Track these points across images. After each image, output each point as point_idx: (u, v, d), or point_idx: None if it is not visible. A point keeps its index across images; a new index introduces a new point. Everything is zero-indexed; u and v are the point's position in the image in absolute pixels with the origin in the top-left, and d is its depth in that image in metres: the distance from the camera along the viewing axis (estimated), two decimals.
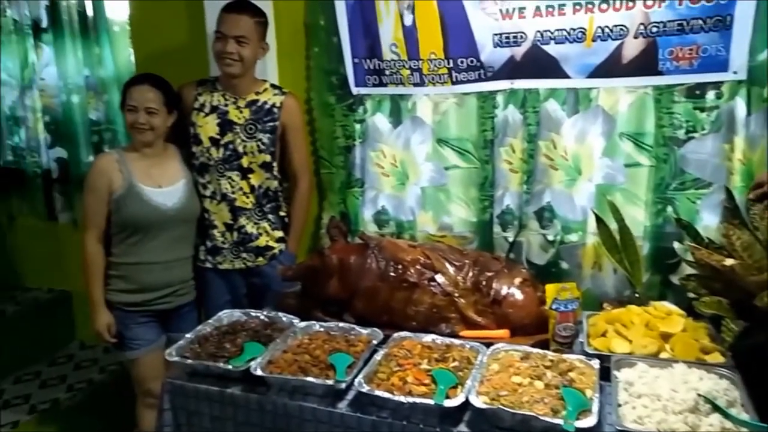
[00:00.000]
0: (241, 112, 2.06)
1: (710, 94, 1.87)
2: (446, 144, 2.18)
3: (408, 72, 2.16)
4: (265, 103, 2.09)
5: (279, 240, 2.18)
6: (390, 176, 2.28)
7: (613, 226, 1.90)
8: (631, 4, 1.84)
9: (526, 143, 2.07)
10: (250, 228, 2.13)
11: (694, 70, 1.85)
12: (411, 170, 2.25)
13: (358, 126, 2.28)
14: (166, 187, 1.99)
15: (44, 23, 2.74)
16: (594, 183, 2.02)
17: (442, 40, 2.07)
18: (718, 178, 1.90)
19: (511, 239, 2.16)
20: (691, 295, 1.74)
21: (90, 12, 2.65)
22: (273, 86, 2.13)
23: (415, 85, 2.16)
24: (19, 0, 2.73)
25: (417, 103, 2.19)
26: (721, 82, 1.84)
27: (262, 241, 2.14)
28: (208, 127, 2.06)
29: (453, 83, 2.11)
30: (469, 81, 2.10)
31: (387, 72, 2.19)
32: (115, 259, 2.00)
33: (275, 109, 2.09)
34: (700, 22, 1.79)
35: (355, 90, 2.25)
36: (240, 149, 2.06)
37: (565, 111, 2.02)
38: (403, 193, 2.28)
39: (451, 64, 2.09)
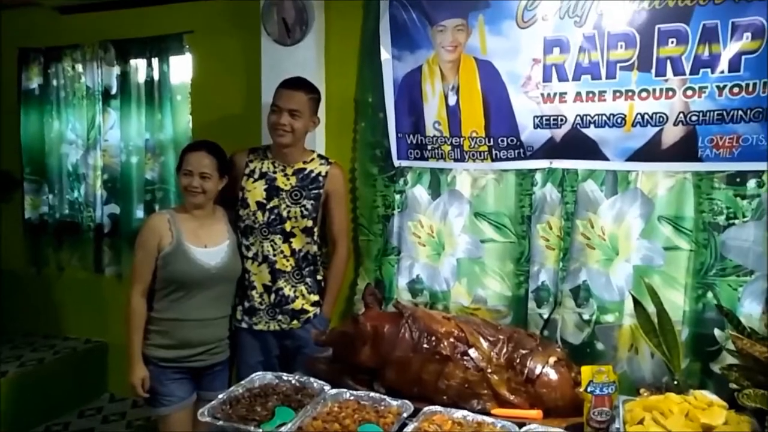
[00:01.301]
0: (288, 179, 2.12)
1: (751, 182, 1.86)
2: (483, 218, 2.19)
3: (449, 148, 2.21)
4: (312, 171, 2.13)
5: (314, 304, 2.17)
6: (426, 246, 2.29)
7: (651, 309, 1.84)
8: (671, 93, 1.87)
9: (564, 221, 2.07)
10: (288, 290, 2.13)
11: (735, 159, 1.85)
12: (447, 241, 2.25)
13: (398, 196, 2.32)
14: (211, 247, 2.03)
15: (114, 90, 2.91)
16: (632, 264, 1.99)
17: (483, 120, 2.13)
18: (760, 266, 1.85)
19: (545, 316, 2.11)
20: (734, 386, 1.64)
21: (156, 80, 2.80)
22: (320, 156, 2.18)
23: (456, 160, 2.21)
24: (94, 68, 2.92)
25: (456, 177, 2.23)
26: (762, 171, 1.84)
27: (298, 304, 2.14)
28: (256, 191, 2.11)
29: (493, 160, 2.15)
30: (508, 159, 2.13)
31: (429, 147, 2.25)
32: (156, 314, 2.02)
33: (321, 178, 2.13)
34: (740, 112, 1.81)
35: (397, 162, 2.31)
36: (284, 214, 2.10)
37: (604, 192, 2.03)
38: (438, 264, 2.27)
39: (492, 143, 2.14)
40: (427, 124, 2.23)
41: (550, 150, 2.06)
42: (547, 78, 2.01)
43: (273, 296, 2.13)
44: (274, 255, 2.11)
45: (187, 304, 2.00)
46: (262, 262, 2.12)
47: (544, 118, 2.04)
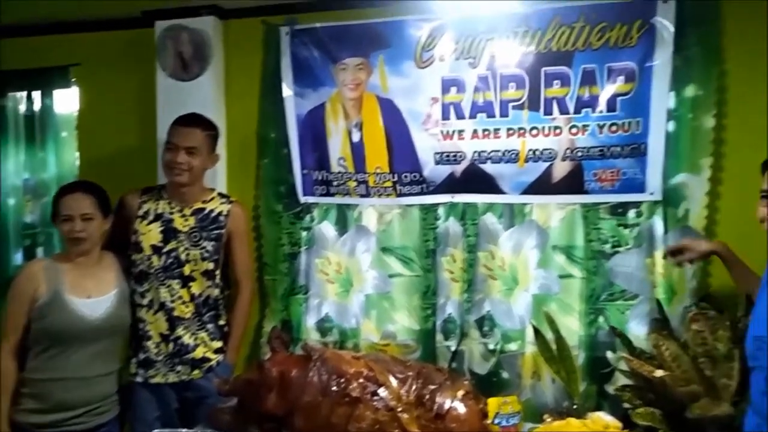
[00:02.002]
0: (186, 220, 1.99)
1: (631, 213, 1.96)
2: (390, 252, 2.17)
3: (355, 184, 2.19)
4: (212, 211, 2.02)
5: (217, 351, 2.03)
6: (334, 283, 2.23)
7: (550, 336, 1.89)
8: (558, 131, 1.97)
9: (466, 253, 2.09)
10: (188, 339, 1.98)
11: (616, 191, 1.95)
12: (355, 277, 2.21)
13: (304, 233, 2.26)
14: (95, 297, 1.83)
15: None
16: (530, 293, 2.03)
17: (387, 156, 2.13)
18: (643, 290, 1.94)
19: (453, 348, 2.10)
20: (627, 405, 1.70)
21: (38, 115, 2.56)
22: (220, 195, 2.08)
23: (362, 196, 2.19)
24: None
25: (363, 213, 2.20)
26: (640, 202, 1.94)
27: (199, 352, 1.99)
28: (150, 234, 1.96)
29: (397, 195, 2.15)
30: (412, 194, 2.14)
31: (334, 183, 2.22)
32: (30, 374, 1.78)
33: (222, 217, 2.03)
34: (619, 149, 1.93)
35: (302, 199, 2.26)
36: (183, 257, 1.97)
37: (502, 224, 2.07)
38: (347, 301, 2.22)
39: (396, 178, 2.14)
40: (331, 161, 2.21)
41: (451, 185, 2.09)
42: (445, 116, 2.05)
43: (171, 346, 1.97)
44: (172, 301, 1.96)
45: (65, 361, 1.77)
46: (158, 309, 1.96)
47: (444, 155, 2.08)
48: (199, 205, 2.01)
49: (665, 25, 1.84)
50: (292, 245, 2.26)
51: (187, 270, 1.96)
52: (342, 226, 2.24)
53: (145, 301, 1.96)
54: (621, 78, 1.89)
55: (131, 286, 1.95)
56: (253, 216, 2.29)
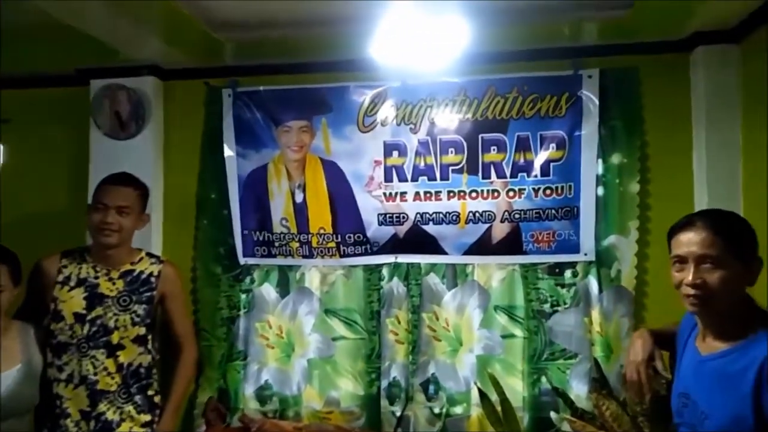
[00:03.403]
0: (114, 283, 1.81)
1: (568, 273, 1.99)
2: (334, 314, 2.10)
3: (297, 245, 2.12)
4: (141, 273, 1.85)
5: (145, 425, 1.81)
6: (275, 348, 2.12)
7: (495, 397, 1.82)
8: (496, 194, 2.00)
9: (411, 314, 2.04)
10: (112, 414, 1.75)
11: (552, 252, 1.99)
12: (297, 341, 2.11)
13: (243, 296, 2.15)
14: None
15: None
16: (475, 354, 2.00)
17: (330, 217, 2.09)
18: (582, 348, 1.95)
19: (398, 413, 2.00)
20: None
21: None
22: (149, 255, 1.93)
23: (304, 257, 2.13)
24: None
25: (305, 274, 2.14)
26: (576, 263, 1.98)
27: (125, 428, 1.77)
28: (73, 301, 1.75)
29: (341, 256, 2.10)
30: (356, 254, 2.10)
31: (276, 244, 2.14)
32: None
33: (152, 279, 1.86)
34: (554, 211, 1.97)
35: (242, 260, 2.16)
36: (111, 324, 1.77)
37: (445, 284, 2.06)
38: (288, 366, 2.10)
39: (340, 239, 2.09)
40: (274, 221, 2.13)
41: (395, 245, 2.06)
42: (388, 178, 2.05)
43: (93, 423, 1.74)
44: (95, 374, 1.74)
45: None
46: (78, 384, 1.74)
47: (387, 216, 2.06)
48: (128, 267, 1.84)
49: (590, 97, 1.94)
50: (230, 309, 2.15)
51: (115, 338, 1.77)
52: (284, 288, 2.15)
53: (63, 375, 1.73)
54: (553, 145, 1.96)
55: (48, 359, 1.73)
56: (190, 279, 2.18)
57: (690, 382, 1.25)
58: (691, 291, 1.18)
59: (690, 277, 1.17)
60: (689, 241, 1.18)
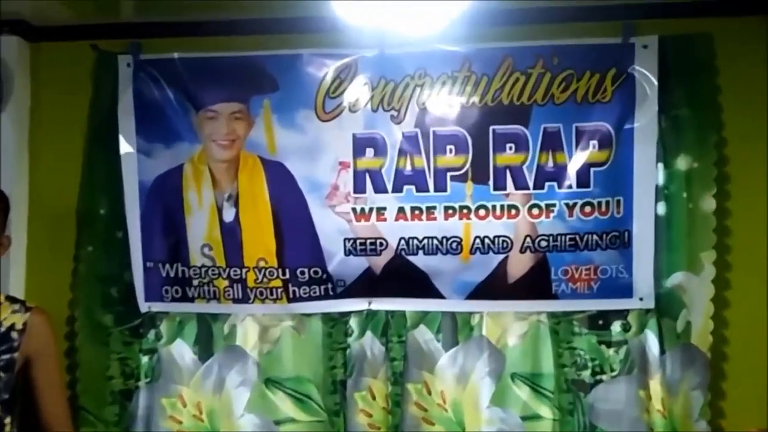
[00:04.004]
0: None
1: (616, 326, 1.94)
2: (278, 386, 2.07)
3: (226, 283, 2.06)
4: None
5: None
6: None
7: None
8: (514, 212, 1.92)
9: (391, 386, 2.00)
10: None
11: (594, 295, 1.93)
12: (224, 426, 2.07)
13: (145, 359, 2.10)
14: None
15: None
16: None
17: (275, 244, 2.03)
18: None
19: None
20: None
21: None
22: (10, 299, 1.81)
23: (236, 301, 2.06)
24: None
25: (237, 327, 2.09)
26: (627, 311, 1.94)
27: None
28: None
29: (289, 300, 2.04)
30: (311, 298, 2.03)
31: (195, 282, 2.08)
32: None
33: (14, 334, 1.74)
34: (596, 237, 1.91)
35: (144, 306, 2.10)
36: None
37: (441, 342, 2.01)
38: None
39: (288, 275, 2.03)
40: (191, 249, 2.07)
41: (369, 286, 2.01)
42: (359, 188, 1.99)
43: None
44: None
45: None
46: None
47: (358, 242, 1.99)
48: None
49: (646, 75, 1.89)
50: (125, 378, 2.10)
51: None
52: (205, 347, 2.11)
53: None
54: (594, 143, 1.90)
55: None
56: (65, 333, 2.11)
57: None
58: None
59: None
60: None
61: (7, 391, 1.72)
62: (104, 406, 2.07)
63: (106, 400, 2.07)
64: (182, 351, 2.10)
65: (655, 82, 1.89)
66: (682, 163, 1.93)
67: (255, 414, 2.05)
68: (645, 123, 1.90)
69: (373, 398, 2.01)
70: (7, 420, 1.74)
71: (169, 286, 2.09)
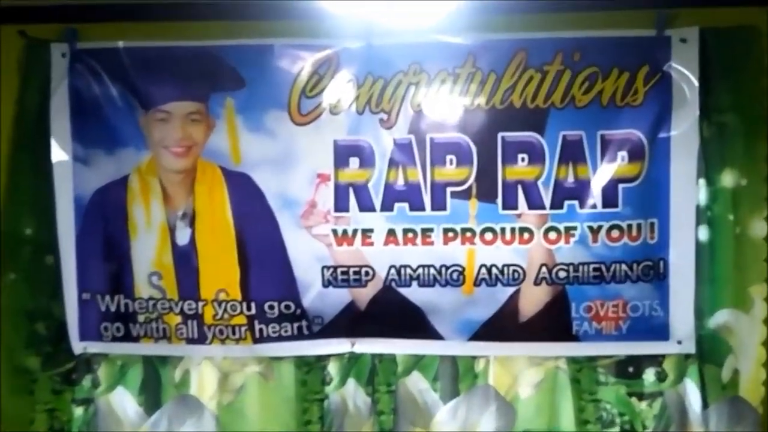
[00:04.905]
0: None
1: (649, 374, 1.89)
2: None
3: (178, 319, 1.98)
4: None
5: None
6: None
7: None
8: (527, 235, 1.84)
9: None
10: None
11: (624, 337, 1.87)
12: None
13: (79, 411, 2.01)
14: None
15: None
16: None
17: (238, 272, 1.96)
18: None
19: None
20: None
21: None
22: None
23: (190, 341, 1.99)
24: None
25: (191, 372, 2.01)
26: (663, 357, 1.89)
27: None
28: None
29: (255, 341, 1.96)
30: (282, 338, 1.97)
31: (141, 318, 1.99)
32: None
33: None
34: (625, 267, 1.83)
35: (79, 347, 2.00)
36: None
37: (439, 392, 1.96)
38: None
39: (253, 311, 1.96)
40: (137, 278, 1.98)
41: (351, 323, 1.93)
42: (341, 205, 1.90)
43: None
44: None
45: None
46: None
47: (339, 271, 1.91)
48: None
49: (685, 75, 1.81)
50: None
51: None
52: (152, 396, 2.03)
53: None
54: (623, 154, 1.83)
55: None
56: None
57: None
58: None
59: None
60: None
61: None
62: None
63: None
64: (124, 401, 2.02)
65: (696, 83, 1.81)
66: (727, 179, 1.87)
67: None
68: (684, 131, 1.83)
69: None
70: None
71: (109, 323, 2.00)
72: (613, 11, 1.87)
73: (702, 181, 1.84)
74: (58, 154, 1.96)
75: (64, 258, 1.97)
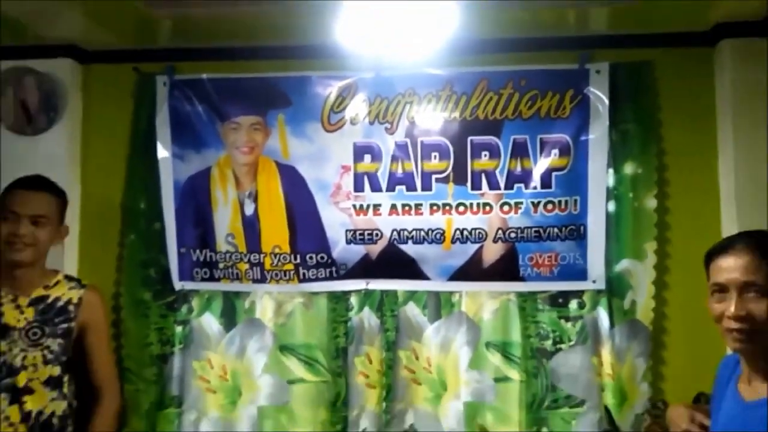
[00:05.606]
0: (22, 312, 1.87)
1: (573, 304, 2.14)
2: (290, 352, 2.22)
3: (246, 266, 2.22)
4: (57, 299, 1.93)
5: None
6: (217, 393, 2.24)
7: None
8: (488, 208, 2.13)
9: (385, 352, 2.17)
10: None
11: (555, 278, 2.13)
12: (245, 385, 2.22)
13: (179, 329, 2.26)
14: None
15: None
16: (462, 400, 2.12)
17: (288, 234, 2.20)
18: (590, 394, 2.09)
19: None
20: None
21: None
22: (68, 278, 1.99)
23: (255, 281, 2.23)
24: None
25: (256, 303, 2.25)
26: (582, 292, 2.13)
27: None
28: None
29: (300, 281, 2.21)
30: (318, 279, 2.21)
31: (221, 265, 2.24)
32: None
33: (71, 307, 1.92)
34: (556, 230, 2.11)
35: (178, 285, 2.27)
36: (16, 362, 1.84)
37: (427, 316, 2.19)
38: (233, 415, 2.22)
39: (299, 260, 2.20)
40: (218, 238, 2.23)
41: (366, 269, 2.18)
42: (359, 187, 2.17)
43: None
44: None
45: None
46: None
47: (357, 233, 2.17)
48: (40, 293, 1.92)
49: (599, 96, 2.09)
50: (162, 345, 2.26)
51: (21, 380, 1.84)
52: (229, 319, 2.26)
53: None
54: (555, 151, 2.10)
55: None
56: (112, 307, 2.27)
57: None
58: (735, 324, 1.24)
59: (733, 309, 1.23)
60: (730, 267, 1.26)
61: (65, 354, 1.92)
62: (144, 368, 2.24)
63: (146, 362, 2.24)
64: (210, 322, 2.26)
65: (607, 102, 2.08)
66: (628, 168, 2.12)
67: (271, 375, 2.20)
68: (598, 135, 2.10)
69: (370, 362, 2.16)
70: (66, 378, 1.94)
71: (198, 269, 2.25)
72: (549, 51, 2.15)
73: (610, 170, 2.10)
74: (162, 152, 2.25)
75: (167, 224, 2.25)
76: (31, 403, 1.87)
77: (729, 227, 2.04)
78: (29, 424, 1.87)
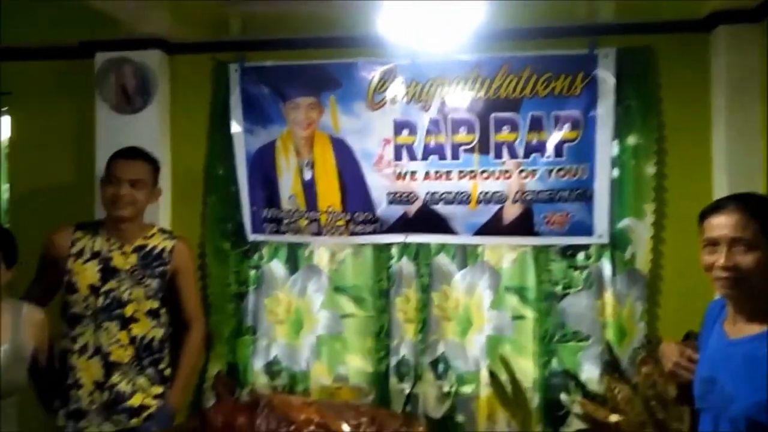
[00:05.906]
0: (127, 257, 2.02)
1: (581, 255, 2.17)
2: (342, 292, 2.29)
3: (306, 222, 2.30)
4: (154, 248, 2.05)
5: (157, 396, 2.04)
6: (284, 324, 2.33)
7: (505, 377, 2.06)
8: (508, 174, 2.17)
9: (420, 294, 2.23)
10: (124, 386, 1.99)
11: (565, 233, 2.16)
12: (306, 318, 2.32)
13: (252, 272, 2.35)
14: None
15: None
16: (485, 334, 2.18)
17: (340, 195, 2.27)
18: (594, 331, 2.13)
19: (407, 391, 2.22)
20: None
21: None
22: (162, 231, 2.11)
23: (313, 234, 2.31)
24: None
25: (314, 252, 2.32)
26: (589, 245, 2.15)
27: (137, 399, 2.00)
28: (87, 273, 1.98)
29: (350, 234, 2.28)
30: (365, 233, 2.28)
31: (285, 221, 2.32)
32: None
33: (165, 254, 2.05)
34: (567, 193, 2.14)
35: (251, 237, 2.35)
36: (124, 297, 1.99)
37: (455, 265, 2.24)
38: (297, 342, 2.32)
39: (349, 217, 2.27)
40: (282, 198, 2.32)
41: (404, 225, 2.24)
42: (398, 157, 2.22)
43: (106, 394, 1.98)
44: (109, 345, 1.98)
45: None
46: (93, 354, 1.98)
47: (397, 195, 2.23)
48: (141, 242, 2.04)
49: (606, 77, 2.08)
50: (239, 285, 2.35)
51: (128, 310, 1.98)
52: (292, 265, 2.34)
53: (77, 346, 1.97)
54: (567, 125, 2.12)
55: (62, 330, 1.97)
56: (198, 254, 2.36)
57: (717, 366, 1.32)
58: (723, 274, 1.27)
59: (722, 260, 1.27)
60: (721, 224, 1.29)
61: (161, 291, 2.07)
62: (225, 304, 2.34)
63: (226, 299, 2.34)
64: (277, 268, 2.34)
65: (613, 82, 2.07)
66: (631, 140, 2.13)
67: (327, 310, 2.29)
68: (604, 111, 2.10)
69: (408, 302, 2.23)
70: (162, 311, 2.08)
71: (267, 224, 2.33)
72: (562, 38, 2.15)
73: (615, 142, 2.11)
74: (235, 128, 2.31)
75: (241, 187, 2.33)
76: (136, 329, 2.02)
77: (719, 192, 2.03)
78: (135, 346, 2.02)
